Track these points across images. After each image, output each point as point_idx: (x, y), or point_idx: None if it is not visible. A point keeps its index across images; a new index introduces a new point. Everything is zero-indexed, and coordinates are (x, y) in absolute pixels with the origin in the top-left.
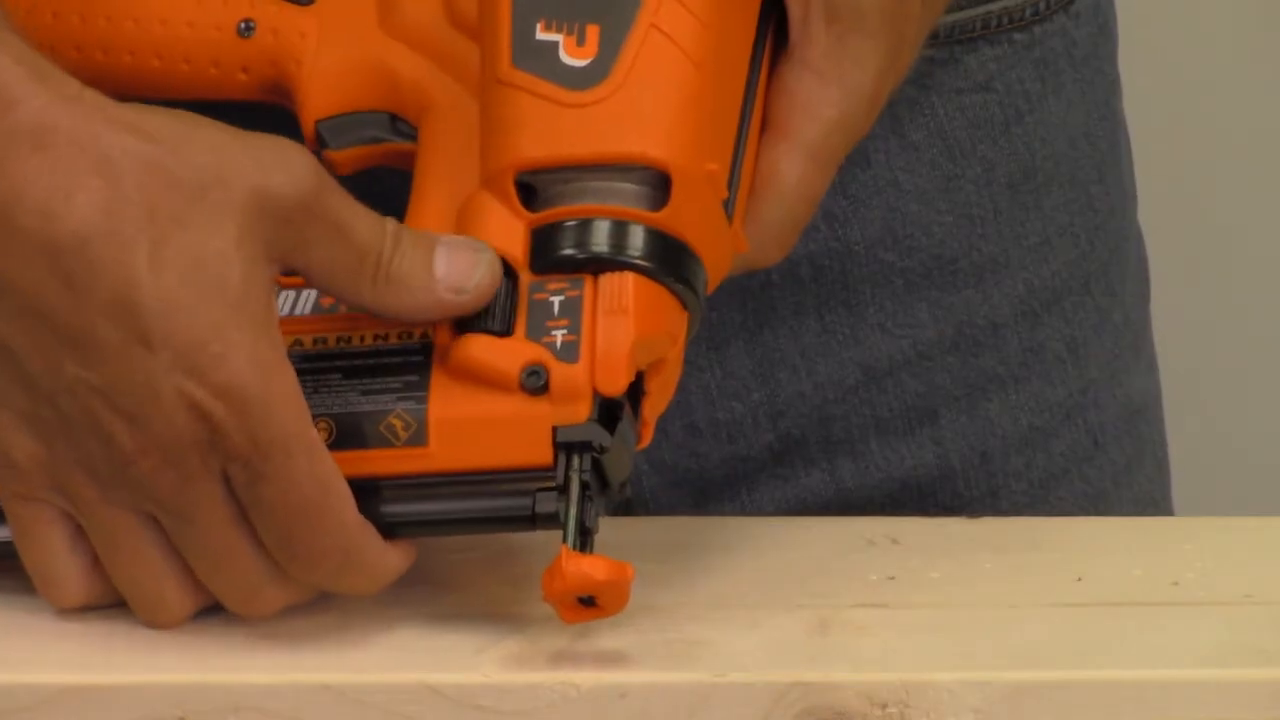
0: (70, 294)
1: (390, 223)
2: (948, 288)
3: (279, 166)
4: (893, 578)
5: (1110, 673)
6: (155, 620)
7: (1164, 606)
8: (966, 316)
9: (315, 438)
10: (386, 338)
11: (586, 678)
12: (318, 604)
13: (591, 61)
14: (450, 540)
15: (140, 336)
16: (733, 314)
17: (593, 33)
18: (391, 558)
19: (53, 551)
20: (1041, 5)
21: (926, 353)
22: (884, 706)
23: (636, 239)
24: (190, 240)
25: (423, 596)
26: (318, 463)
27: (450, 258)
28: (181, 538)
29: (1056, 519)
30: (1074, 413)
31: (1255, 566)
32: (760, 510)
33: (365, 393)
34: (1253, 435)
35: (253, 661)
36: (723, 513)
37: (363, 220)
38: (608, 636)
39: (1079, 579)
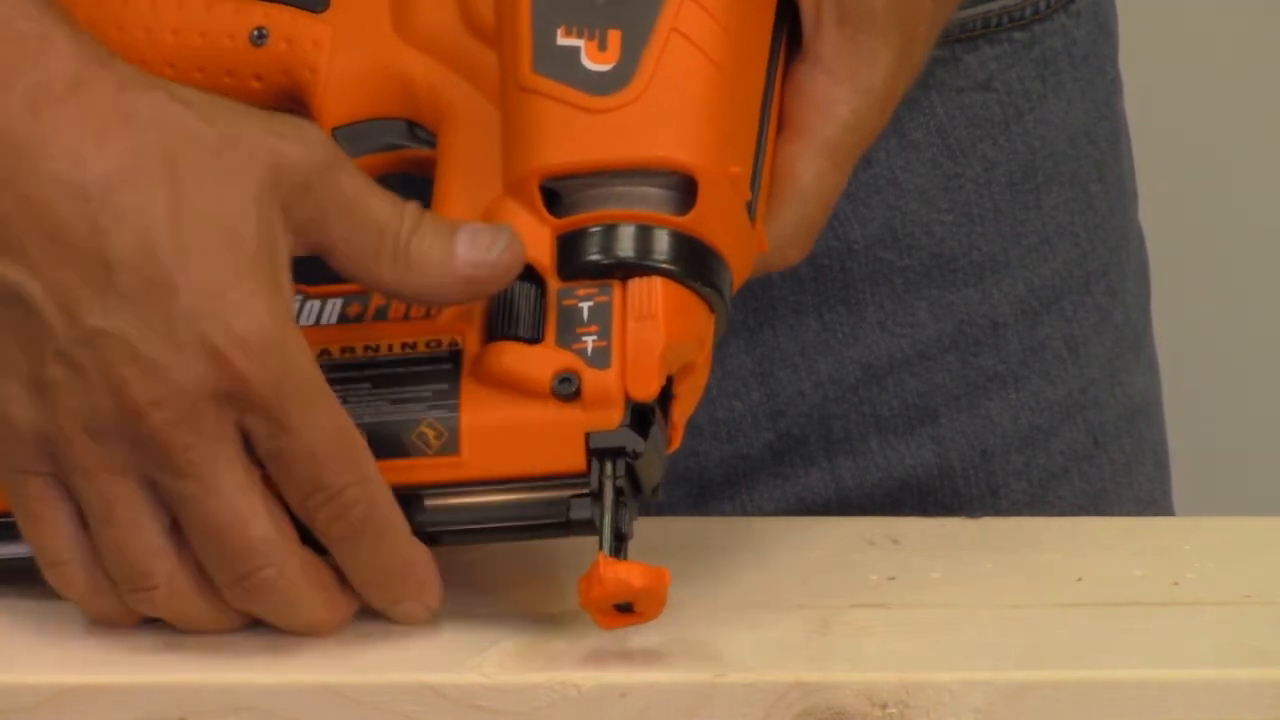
0: (94, 238)
1: (412, 205)
2: (948, 286)
3: (295, 138)
4: (893, 578)
5: (1110, 673)
6: (141, 601)
7: (1164, 606)
8: (966, 315)
9: (329, 389)
10: (415, 346)
11: (586, 678)
12: None
13: (614, 66)
14: None
15: (161, 282)
16: (733, 313)
17: (614, 37)
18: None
19: (56, 530)
20: (1041, 4)
21: (926, 352)
22: (884, 706)
23: (663, 243)
24: (209, 193)
25: None
26: (337, 412)
27: (472, 239)
28: (184, 504)
29: (1056, 519)
30: (1074, 412)
31: (1255, 566)
32: (760, 510)
33: (395, 402)
34: (1253, 435)
35: (253, 661)
36: (723, 512)
37: (380, 199)
38: (607, 636)
39: (1079, 579)
